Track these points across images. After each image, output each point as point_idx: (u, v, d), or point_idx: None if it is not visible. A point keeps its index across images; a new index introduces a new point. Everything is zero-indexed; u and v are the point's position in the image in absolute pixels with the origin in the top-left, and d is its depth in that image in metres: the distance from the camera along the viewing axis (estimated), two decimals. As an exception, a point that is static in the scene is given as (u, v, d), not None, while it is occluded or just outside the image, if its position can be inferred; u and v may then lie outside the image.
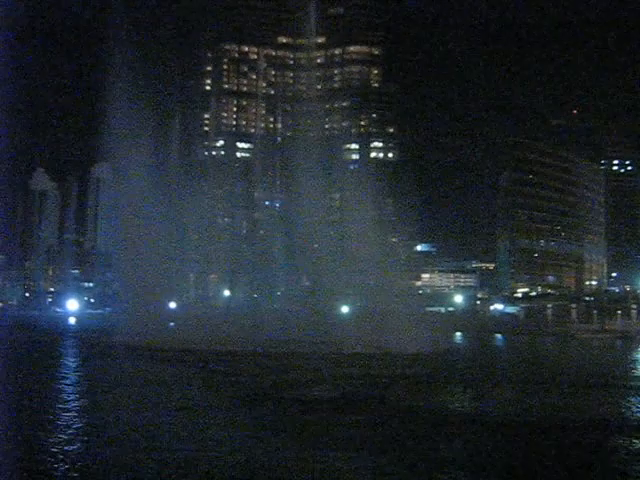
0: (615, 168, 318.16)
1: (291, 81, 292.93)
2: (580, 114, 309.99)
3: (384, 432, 33.08)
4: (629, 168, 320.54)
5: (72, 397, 43.84)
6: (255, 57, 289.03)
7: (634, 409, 42.68)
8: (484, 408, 42.06)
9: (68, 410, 38.47)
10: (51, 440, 30.37)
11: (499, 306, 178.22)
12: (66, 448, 28.87)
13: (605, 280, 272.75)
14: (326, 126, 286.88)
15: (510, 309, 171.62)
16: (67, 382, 51.46)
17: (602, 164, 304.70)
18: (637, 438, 32.75)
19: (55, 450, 28.50)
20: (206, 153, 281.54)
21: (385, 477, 25.71)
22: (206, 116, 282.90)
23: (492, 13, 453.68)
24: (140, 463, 26.94)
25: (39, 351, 75.22)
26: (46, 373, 55.74)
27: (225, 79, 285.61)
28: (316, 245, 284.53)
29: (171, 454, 28.14)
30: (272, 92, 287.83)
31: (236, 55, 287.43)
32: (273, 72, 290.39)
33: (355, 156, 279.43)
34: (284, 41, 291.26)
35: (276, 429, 33.60)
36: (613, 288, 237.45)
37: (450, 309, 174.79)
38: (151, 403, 41.21)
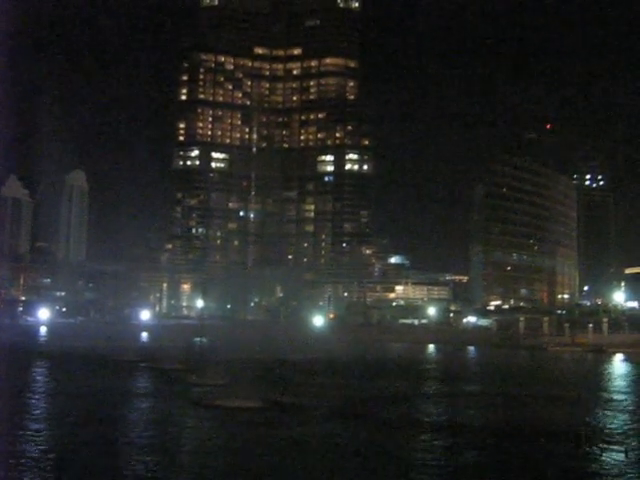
0: (587, 183, 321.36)
1: (267, 92, 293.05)
2: (554, 129, 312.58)
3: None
4: (601, 183, 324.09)
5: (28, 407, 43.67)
6: (231, 67, 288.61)
7: (593, 422, 42.96)
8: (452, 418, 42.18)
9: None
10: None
11: (472, 319, 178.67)
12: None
13: (577, 293, 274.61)
14: (301, 137, 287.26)
15: (483, 322, 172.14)
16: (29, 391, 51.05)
17: (574, 179, 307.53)
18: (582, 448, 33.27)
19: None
20: (181, 163, 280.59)
21: None
22: (181, 126, 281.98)
23: (470, 29, 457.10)
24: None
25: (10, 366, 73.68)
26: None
27: (201, 89, 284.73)
28: (290, 256, 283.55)
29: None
30: (248, 103, 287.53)
31: (212, 65, 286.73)
32: (249, 83, 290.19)
33: (330, 168, 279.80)
34: (260, 52, 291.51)
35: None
36: (585, 301, 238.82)
37: (423, 321, 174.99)
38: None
